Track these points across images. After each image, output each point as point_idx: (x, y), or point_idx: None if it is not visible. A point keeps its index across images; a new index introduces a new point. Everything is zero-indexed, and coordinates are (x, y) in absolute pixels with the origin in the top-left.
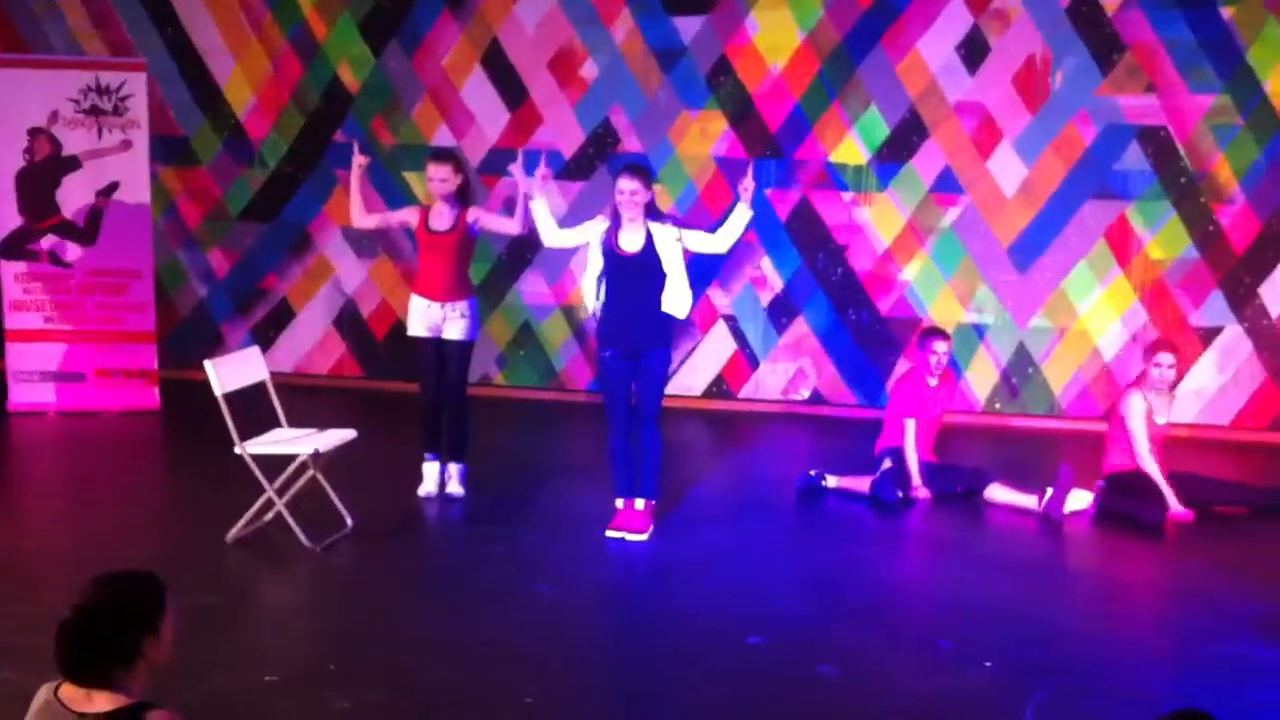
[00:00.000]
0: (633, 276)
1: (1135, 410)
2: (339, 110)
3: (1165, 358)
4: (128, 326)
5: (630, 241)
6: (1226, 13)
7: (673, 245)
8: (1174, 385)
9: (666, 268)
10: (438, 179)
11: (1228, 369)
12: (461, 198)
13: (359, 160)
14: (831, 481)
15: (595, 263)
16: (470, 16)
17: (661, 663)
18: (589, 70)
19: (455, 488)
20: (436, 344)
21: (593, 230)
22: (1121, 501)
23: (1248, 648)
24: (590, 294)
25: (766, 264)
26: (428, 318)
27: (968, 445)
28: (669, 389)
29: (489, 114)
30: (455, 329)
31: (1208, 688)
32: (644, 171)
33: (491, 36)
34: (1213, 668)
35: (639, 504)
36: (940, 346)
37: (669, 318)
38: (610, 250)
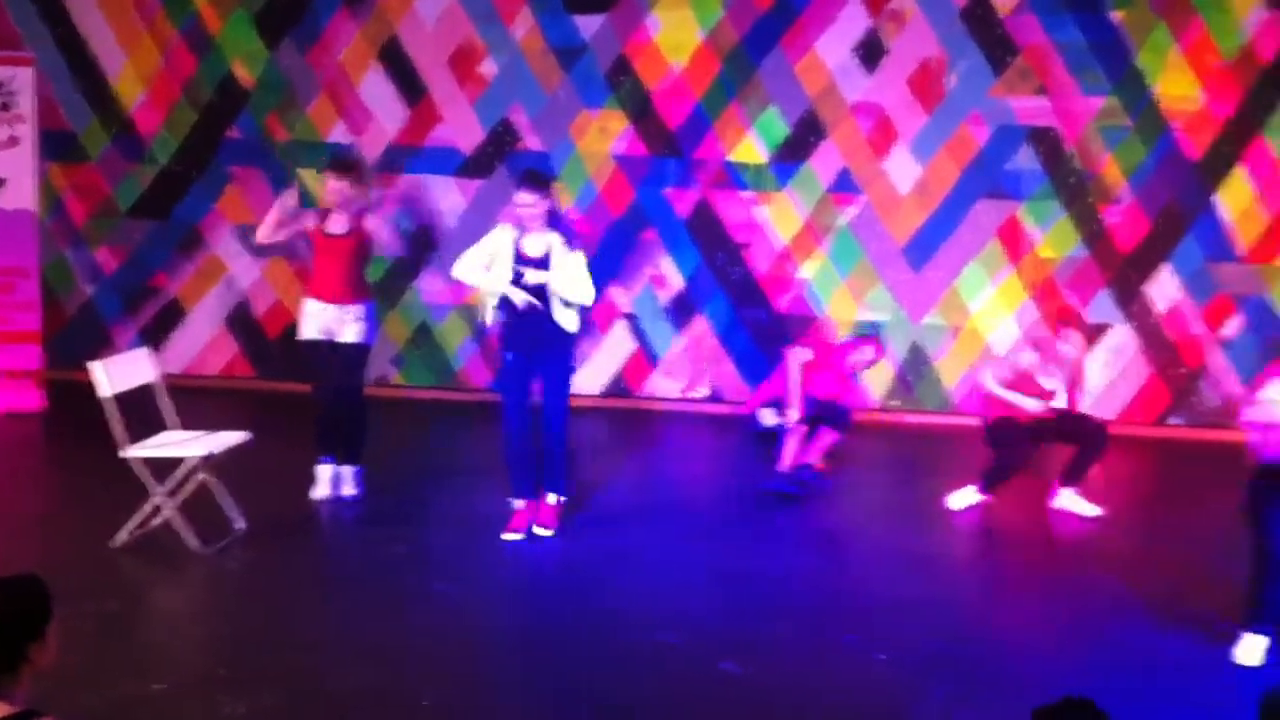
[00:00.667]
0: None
1: (1026, 359)
2: (233, 106)
3: (1074, 338)
4: (12, 326)
5: (534, 247)
6: (1116, 17)
7: (566, 263)
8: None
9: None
10: (334, 191)
11: (1115, 365)
12: (347, 211)
13: (288, 197)
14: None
15: (499, 271)
16: (368, 12)
17: (566, 662)
18: (488, 68)
19: (349, 489)
20: (330, 347)
21: (499, 239)
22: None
23: (1139, 635)
24: (491, 300)
25: (666, 263)
26: (321, 320)
27: (864, 444)
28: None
29: (387, 111)
30: (350, 332)
31: (1098, 675)
32: (542, 180)
33: (390, 33)
34: (1104, 654)
35: (550, 499)
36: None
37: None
38: (516, 256)
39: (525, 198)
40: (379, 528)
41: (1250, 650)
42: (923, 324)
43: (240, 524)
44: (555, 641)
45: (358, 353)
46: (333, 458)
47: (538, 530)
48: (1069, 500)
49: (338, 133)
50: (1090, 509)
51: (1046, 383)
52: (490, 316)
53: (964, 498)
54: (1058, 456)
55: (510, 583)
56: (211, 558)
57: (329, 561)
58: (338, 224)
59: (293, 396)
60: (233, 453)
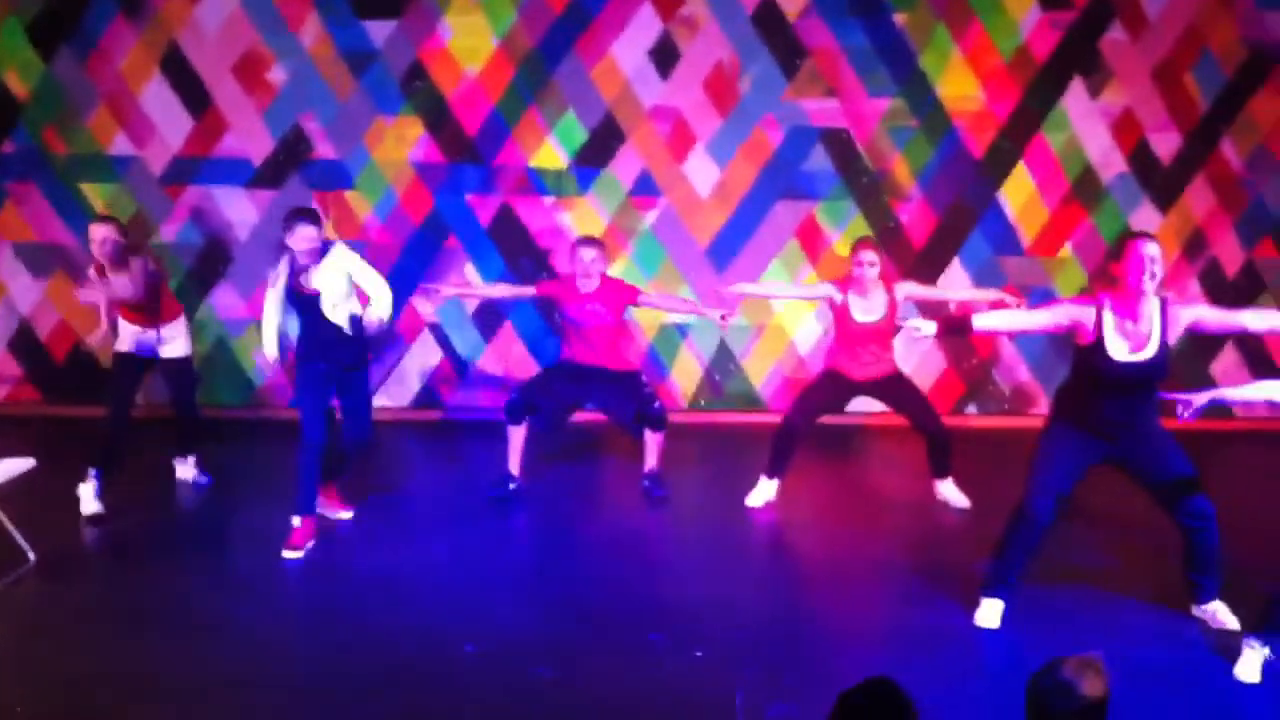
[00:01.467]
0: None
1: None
2: (8, 119)
3: (867, 255)
4: None
5: (316, 281)
6: (899, 19)
7: (342, 274)
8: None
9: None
10: (97, 242)
11: (911, 359)
12: (121, 258)
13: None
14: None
15: (275, 312)
16: (147, 20)
17: (373, 677)
18: (277, 75)
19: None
20: (143, 364)
21: (277, 286)
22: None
23: (941, 618)
24: (271, 343)
25: (470, 270)
26: (141, 339)
27: (674, 444)
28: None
29: (171, 121)
30: (174, 347)
31: (901, 657)
32: (313, 215)
33: (170, 40)
34: (907, 638)
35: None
36: (586, 254)
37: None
38: (292, 292)
39: (309, 231)
40: (179, 550)
41: (988, 614)
42: (728, 324)
43: (30, 555)
44: (362, 660)
45: (185, 364)
46: (100, 473)
47: (332, 515)
48: (948, 490)
49: (120, 145)
50: (962, 500)
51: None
52: (272, 352)
53: (760, 493)
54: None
55: (312, 600)
56: (2, 591)
57: (125, 590)
58: (123, 288)
59: (83, 420)
60: (18, 481)
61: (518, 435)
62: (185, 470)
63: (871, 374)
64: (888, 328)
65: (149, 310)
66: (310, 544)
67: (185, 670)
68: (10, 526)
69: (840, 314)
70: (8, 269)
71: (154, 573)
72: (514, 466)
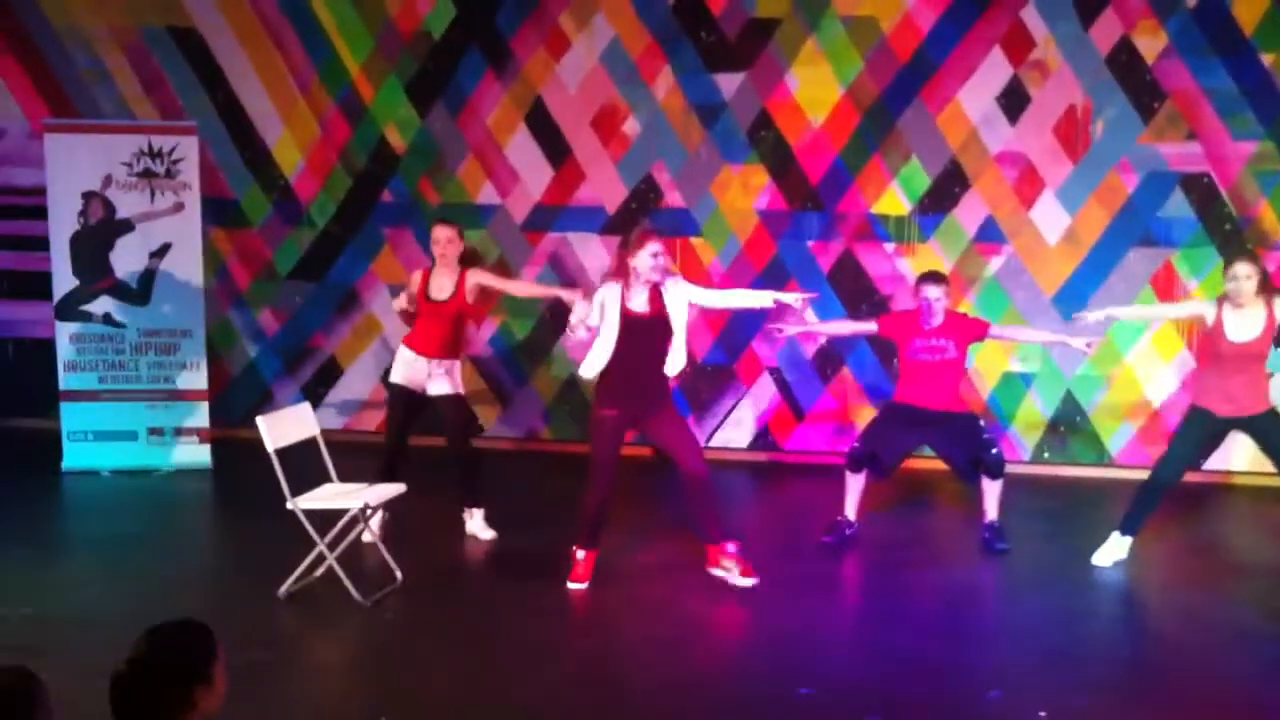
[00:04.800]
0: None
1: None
2: (388, 170)
3: (1242, 268)
4: (179, 385)
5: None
6: (1266, 60)
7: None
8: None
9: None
10: (442, 241)
11: None
12: (458, 261)
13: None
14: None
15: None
16: (514, 76)
17: (703, 714)
18: (631, 127)
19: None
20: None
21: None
22: None
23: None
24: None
25: (810, 316)
26: (414, 368)
27: (1018, 497)
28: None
29: (533, 171)
30: (440, 384)
31: None
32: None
33: (535, 95)
34: (1268, 711)
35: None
36: (931, 291)
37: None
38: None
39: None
40: (517, 579)
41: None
42: (1076, 374)
43: (398, 575)
44: (694, 698)
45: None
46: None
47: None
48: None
49: (486, 194)
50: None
51: None
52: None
53: (1109, 551)
54: None
55: (648, 632)
56: (369, 609)
57: (477, 613)
58: (440, 289)
59: (432, 450)
60: (389, 505)
61: (856, 483)
62: (473, 524)
63: (1243, 408)
64: (1263, 348)
65: (438, 335)
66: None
67: (528, 694)
68: (383, 548)
69: (1212, 335)
70: (383, 308)
71: (503, 598)
72: (851, 512)
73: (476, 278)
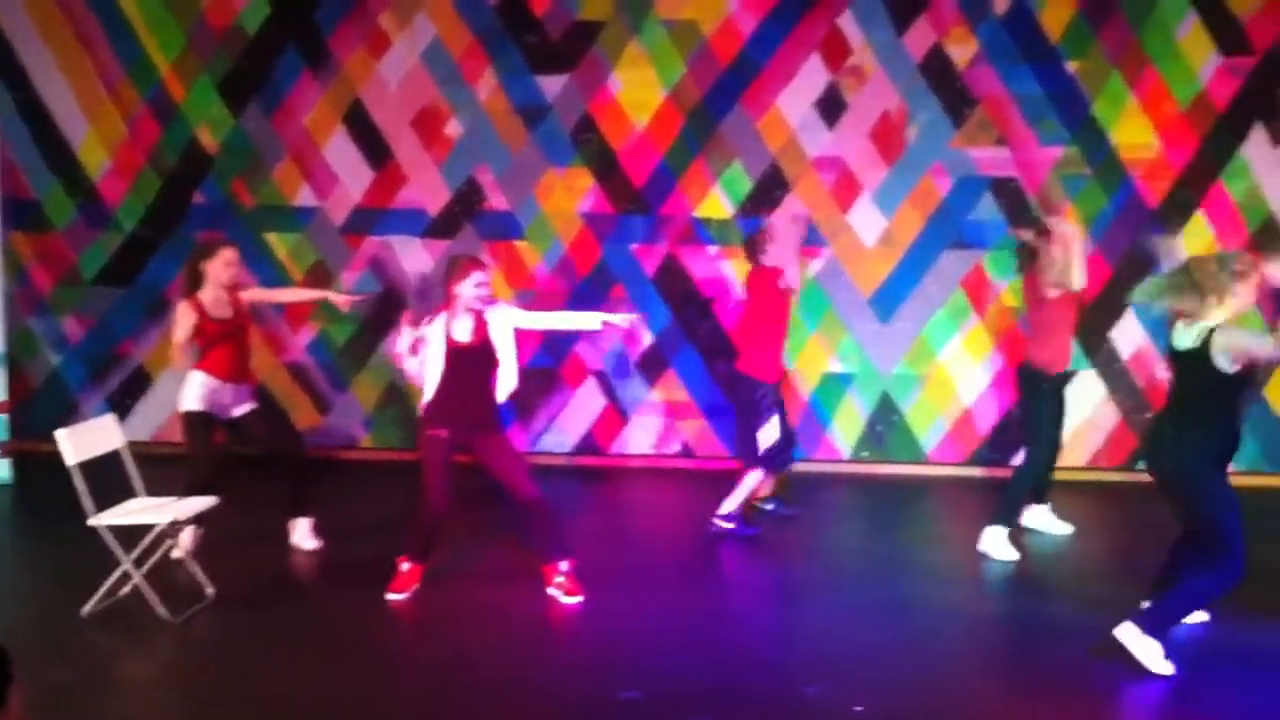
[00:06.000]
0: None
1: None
2: (199, 171)
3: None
4: None
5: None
6: (1071, 67)
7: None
8: None
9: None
10: (236, 263)
11: (1083, 412)
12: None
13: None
14: None
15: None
16: (332, 76)
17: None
18: (453, 129)
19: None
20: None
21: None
22: None
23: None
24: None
25: (640, 321)
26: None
27: (833, 494)
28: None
29: (353, 174)
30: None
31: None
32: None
33: (354, 95)
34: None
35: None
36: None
37: None
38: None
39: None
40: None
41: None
42: (892, 374)
43: (209, 590)
44: (524, 705)
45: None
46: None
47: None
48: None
49: (304, 196)
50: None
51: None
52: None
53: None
54: None
55: (464, 643)
56: (179, 626)
57: (298, 622)
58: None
59: (253, 460)
60: (200, 519)
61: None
62: (298, 534)
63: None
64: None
65: (234, 357)
66: (414, 588)
67: (349, 705)
68: (192, 563)
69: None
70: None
71: (335, 603)
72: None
73: (249, 295)
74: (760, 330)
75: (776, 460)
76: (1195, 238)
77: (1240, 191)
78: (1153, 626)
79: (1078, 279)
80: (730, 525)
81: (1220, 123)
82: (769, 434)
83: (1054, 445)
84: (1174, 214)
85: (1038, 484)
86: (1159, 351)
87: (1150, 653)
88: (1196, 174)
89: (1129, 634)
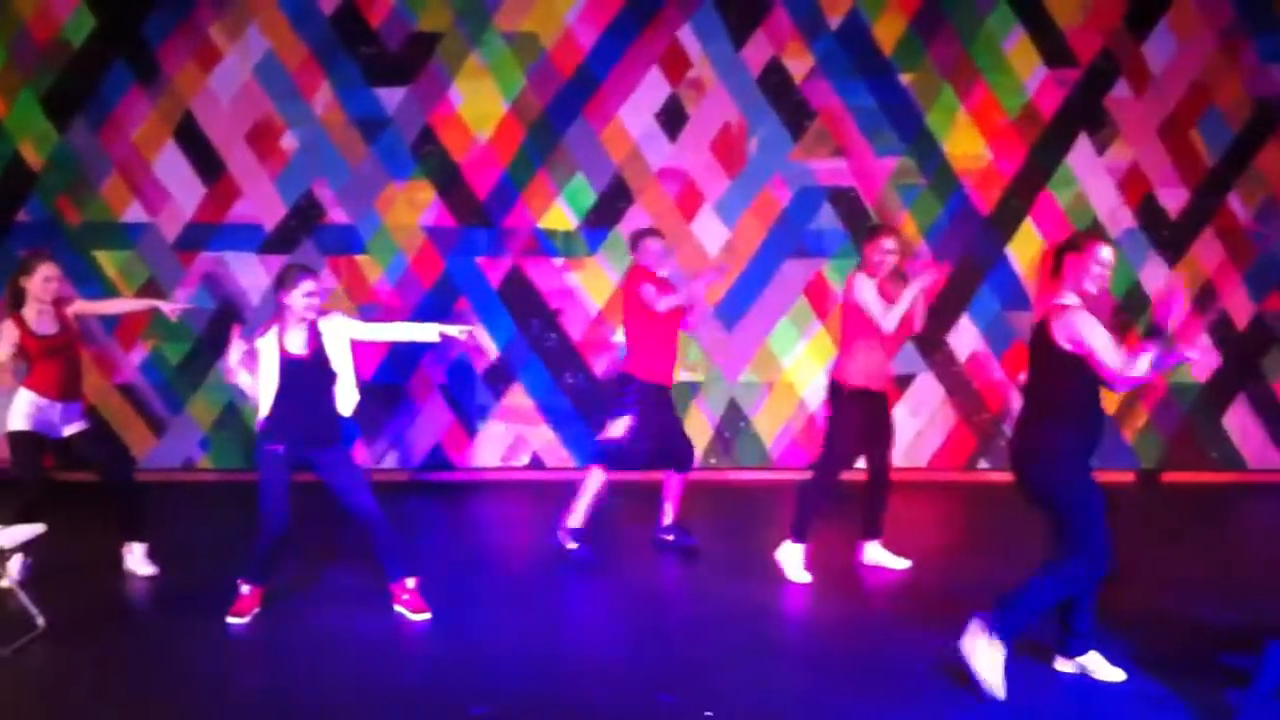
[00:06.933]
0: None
1: (866, 287)
2: (23, 189)
3: (889, 243)
4: None
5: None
6: (905, 79)
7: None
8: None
9: None
10: (57, 279)
11: (921, 414)
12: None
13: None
14: None
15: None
16: (161, 90)
17: None
18: (289, 142)
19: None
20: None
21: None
22: None
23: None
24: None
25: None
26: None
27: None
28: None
29: (185, 189)
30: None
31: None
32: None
33: (184, 109)
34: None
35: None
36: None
37: None
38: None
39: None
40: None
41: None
42: (738, 382)
43: (40, 620)
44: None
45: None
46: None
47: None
48: (877, 554)
49: (133, 212)
50: (899, 561)
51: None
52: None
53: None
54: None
55: (300, 665)
56: (10, 657)
57: (134, 652)
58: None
59: (84, 486)
60: (29, 546)
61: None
62: (133, 559)
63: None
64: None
65: (63, 373)
66: (255, 611)
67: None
68: (20, 592)
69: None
70: None
71: (171, 635)
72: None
73: (75, 308)
74: (632, 330)
75: (615, 459)
76: (1025, 244)
77: (1067, 198)
78: (1002, 627)
79: (891, 323)
80: (575, 545)
81: (1047, 132)
82: (616, 428)
83: (847, 458)
84: (1005, 221)
85: (865, 514)
86: (994, 354)
87: (989, 663)
88: (1026, 182)
89: (973, 638)
